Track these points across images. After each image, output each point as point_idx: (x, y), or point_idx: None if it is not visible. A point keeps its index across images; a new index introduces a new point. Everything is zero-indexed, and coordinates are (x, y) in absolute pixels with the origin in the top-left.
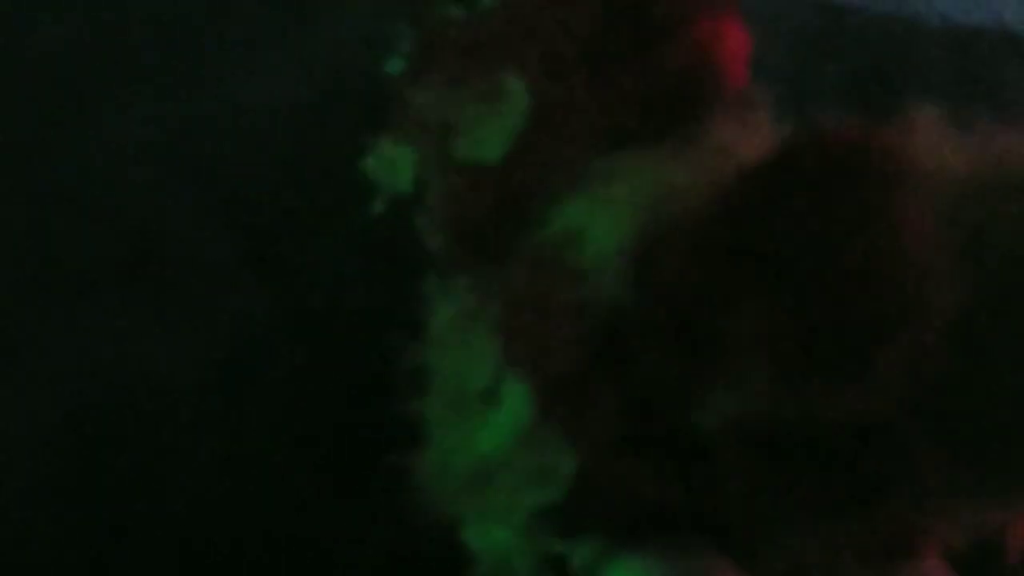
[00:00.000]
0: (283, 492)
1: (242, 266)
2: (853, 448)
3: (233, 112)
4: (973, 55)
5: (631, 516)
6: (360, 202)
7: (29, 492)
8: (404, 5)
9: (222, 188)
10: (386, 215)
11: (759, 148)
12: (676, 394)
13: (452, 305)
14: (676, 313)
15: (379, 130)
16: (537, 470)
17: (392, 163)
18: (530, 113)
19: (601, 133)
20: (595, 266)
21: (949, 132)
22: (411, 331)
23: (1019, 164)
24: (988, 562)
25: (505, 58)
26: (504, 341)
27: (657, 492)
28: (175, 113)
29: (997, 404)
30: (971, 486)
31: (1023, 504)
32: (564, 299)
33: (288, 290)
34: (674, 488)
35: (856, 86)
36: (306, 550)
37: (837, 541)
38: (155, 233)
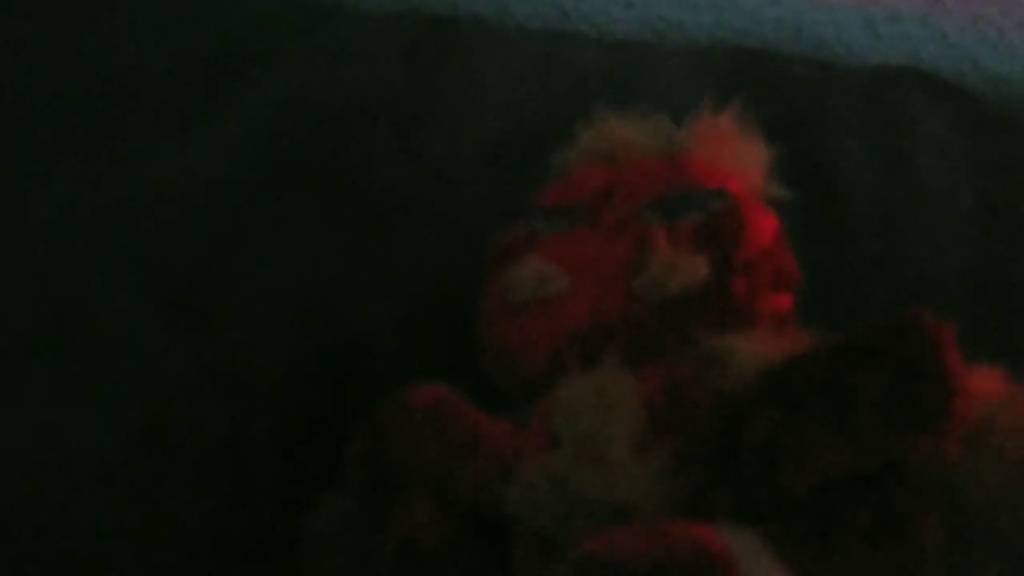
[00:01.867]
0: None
1: (162, 332)
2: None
3: (155, 185)
4: (889, 94)
5: None
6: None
7: None
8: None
9: (143, 259)
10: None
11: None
12: (788, 458)
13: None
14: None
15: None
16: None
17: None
18: None
19: None
20: (734, 382)
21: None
22: (338, 388)
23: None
24: None
25: None
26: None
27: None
28: (94, 189)
29: None
30: None
31: None
32: (703, 398)
33: (210, 355)
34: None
35: (777, 129)
36: None
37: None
38: (71, 304)
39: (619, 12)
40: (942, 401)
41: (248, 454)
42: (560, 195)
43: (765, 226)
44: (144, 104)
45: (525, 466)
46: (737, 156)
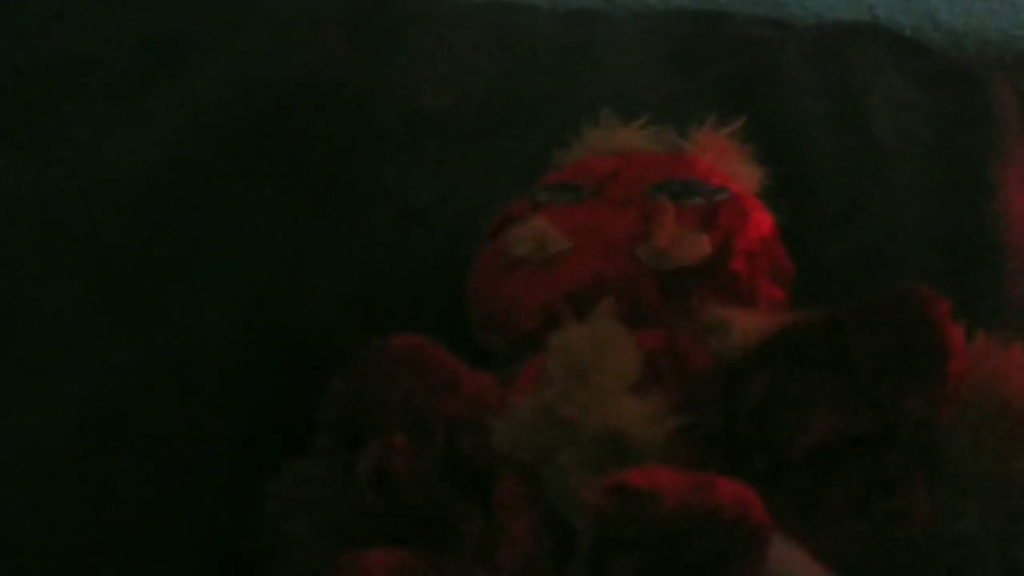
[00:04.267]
0: (153, 567)
1: (108, 318)
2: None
3: (96, 169)
4: (846, 50)
5: None
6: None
7: None
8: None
9: (86, 244)
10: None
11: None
12: (783, 419)
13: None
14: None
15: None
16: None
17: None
18: None
19: None
20: (733, 348)
21: None
22: (289, 370)
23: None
24: None
25: None
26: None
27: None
28: (34, 174)
29: None
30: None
31: None
32: (702, 360)
33: (158, 340)
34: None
35: (731, 91)
36: None
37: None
38: (15, 290)
39: None
40: (938, 364)
41: (199, 439)
42: (565, 175)
43: (764, 221)
44: (84, 87)
45: (514, 402)
46: (733, 169)
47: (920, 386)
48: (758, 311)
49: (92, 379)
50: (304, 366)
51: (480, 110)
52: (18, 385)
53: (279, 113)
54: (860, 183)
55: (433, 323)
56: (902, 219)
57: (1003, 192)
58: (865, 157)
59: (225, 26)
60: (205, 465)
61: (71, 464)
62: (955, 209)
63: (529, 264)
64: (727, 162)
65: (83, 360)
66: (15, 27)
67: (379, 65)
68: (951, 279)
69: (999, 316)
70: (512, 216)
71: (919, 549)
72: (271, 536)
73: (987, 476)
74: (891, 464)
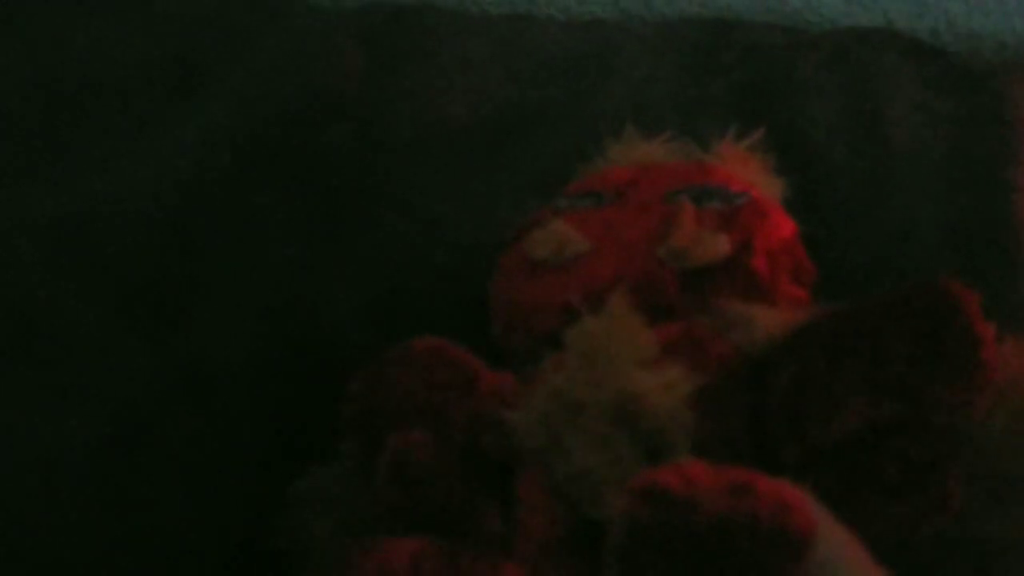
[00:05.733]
0: (179, 571)
1: (131, 333)
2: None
3: (116, 187)
4: (860, 55)
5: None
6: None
7: None
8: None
9: (108, 261)
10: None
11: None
12: (815, 408)
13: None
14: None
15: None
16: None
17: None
18: None
19: None
20: (758, 341)
21: None
22: (308, 380)
23: None
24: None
25: None
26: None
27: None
28: (56, 194)
29: None
30: None
31: None
32: (724, 351)
33: (179, 353)
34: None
35: (742, 100)
36: None
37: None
38: (39, 310)
39: None
40: (971, 351)
41: (222, 448)
42: (586, 184)
43: (785, 224)
44: (101, 107)
45: (530, 392)
46: (754, 179)
47: (954, 373)
48: (780, 308)
49: (116, 394)
50: (323, 374)
51: (495, 121)
52: (44, 401)
53: (295, 127)
54: (876, 187)
55: (448, 331)
56: (918, 222)
57: (1020, 195)
58: (881, 161)
59: (240, 41)
60: (229, 473)
61: (97, 477)
62: (971, 212)
63: (550, 266)
64: (748, 172)
65: (107, 375)
66: (31, 49)
67: (394, 78)
68: (967, 281)
69: (1015, 318)
70: (534, 222)
71: (947, 546)
72: (296, 537)
73: (1017, 479)
74: (924, 453)
